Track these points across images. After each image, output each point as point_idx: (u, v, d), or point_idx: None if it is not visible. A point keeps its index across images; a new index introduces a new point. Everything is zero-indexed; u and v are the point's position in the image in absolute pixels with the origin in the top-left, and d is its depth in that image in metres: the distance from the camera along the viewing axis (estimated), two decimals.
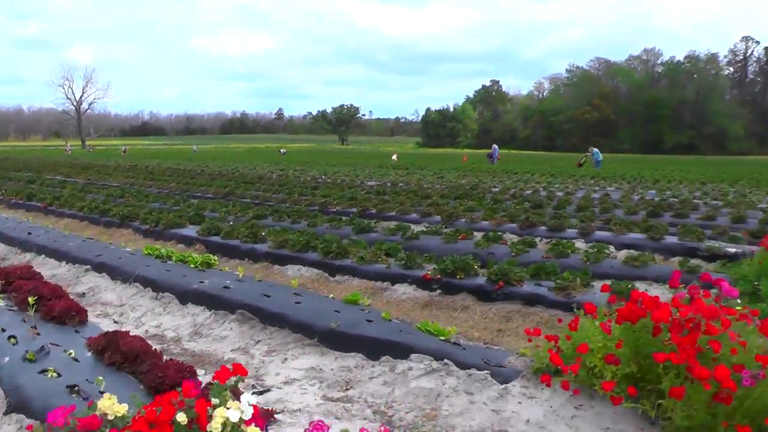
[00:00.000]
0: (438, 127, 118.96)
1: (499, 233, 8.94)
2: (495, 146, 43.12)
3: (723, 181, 23.12)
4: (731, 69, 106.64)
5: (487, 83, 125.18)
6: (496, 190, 17.90)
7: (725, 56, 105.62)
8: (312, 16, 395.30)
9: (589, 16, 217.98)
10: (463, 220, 10.94)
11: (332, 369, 4.46)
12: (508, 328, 5.41)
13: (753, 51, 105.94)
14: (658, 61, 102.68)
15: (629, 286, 5.55)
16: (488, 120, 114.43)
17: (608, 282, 5.38)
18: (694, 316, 3.06)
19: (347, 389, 4.14)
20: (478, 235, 8.95)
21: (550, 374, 3.47)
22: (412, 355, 4.25)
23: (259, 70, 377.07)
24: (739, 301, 3.60)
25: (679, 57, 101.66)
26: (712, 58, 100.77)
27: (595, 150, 32.22)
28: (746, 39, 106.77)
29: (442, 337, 4.47)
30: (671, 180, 23.57)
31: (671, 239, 8.54)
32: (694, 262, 7.45)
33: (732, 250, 7.68)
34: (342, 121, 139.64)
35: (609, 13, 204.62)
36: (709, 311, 3.07)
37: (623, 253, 7.82)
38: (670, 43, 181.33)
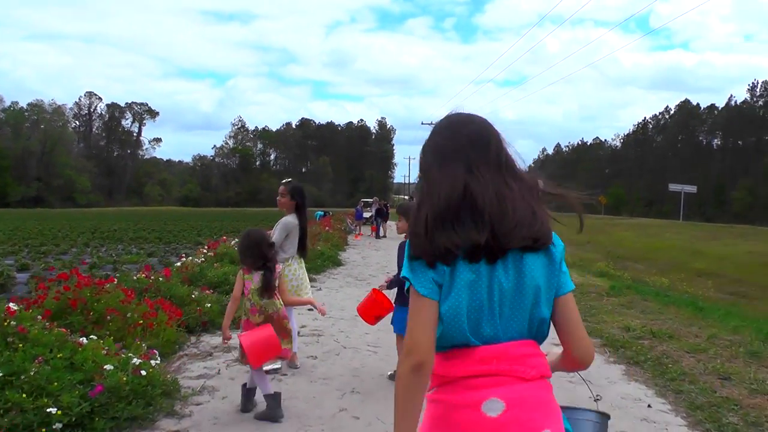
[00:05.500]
0: None
1: None
2: None
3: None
4: (77, 122, 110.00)
5: None
6: None
7: (71, 109, 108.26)
8: None
9: None
10: None
11: None
12: None
13: (97, 107, 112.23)
14: (0, 108, 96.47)
15: None
16: None
17: None
18: None
19: None
20: None
21: None
22: None
23: None
24: None
25: (23, 104, 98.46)
26: (59, 109, 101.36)
27: None
28: (90, 94, 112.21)
29: None
30: None
31: None
32: None
33: None
34: None
35: None
36: None
37: None
38: (14, 90, 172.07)
